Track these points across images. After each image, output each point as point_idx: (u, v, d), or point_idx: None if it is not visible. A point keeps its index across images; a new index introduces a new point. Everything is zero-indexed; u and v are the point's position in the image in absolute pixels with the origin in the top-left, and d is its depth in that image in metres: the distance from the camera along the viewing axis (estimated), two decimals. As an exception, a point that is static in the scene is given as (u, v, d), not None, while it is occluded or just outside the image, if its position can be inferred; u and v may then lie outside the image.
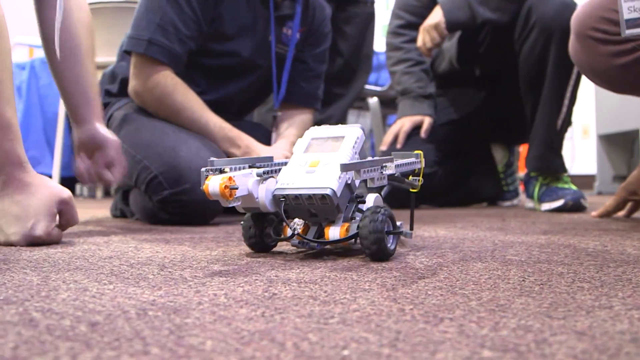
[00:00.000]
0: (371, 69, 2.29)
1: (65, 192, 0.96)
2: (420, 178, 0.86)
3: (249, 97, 1.65)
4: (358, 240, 0.76)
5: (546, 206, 1.75)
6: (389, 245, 0.75)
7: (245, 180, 0.74)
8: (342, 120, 2.08)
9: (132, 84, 1.44)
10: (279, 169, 0.81)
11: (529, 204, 1.88)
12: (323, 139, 0.84)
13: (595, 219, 1.42)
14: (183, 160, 1.30)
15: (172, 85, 1.40)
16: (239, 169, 0.78)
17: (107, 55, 2.41)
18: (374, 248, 0.72)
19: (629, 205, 1.42)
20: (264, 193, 0.76)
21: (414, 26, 2.04)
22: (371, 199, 0.81)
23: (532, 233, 1.10)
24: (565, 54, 1.42)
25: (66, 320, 0.44)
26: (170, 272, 0.67)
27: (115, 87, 1.56)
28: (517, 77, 1.87)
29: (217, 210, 1.35)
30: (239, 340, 0.38)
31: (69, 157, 3.42)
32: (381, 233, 0.72)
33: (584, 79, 1.58)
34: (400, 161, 0.81)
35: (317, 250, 0.83)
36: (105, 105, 1.55)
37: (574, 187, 1.78)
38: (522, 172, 2.26)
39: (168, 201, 1.30)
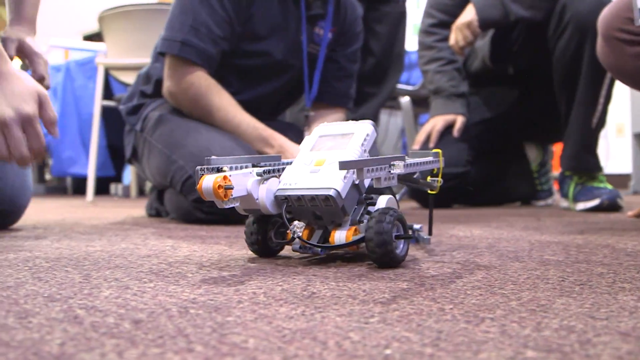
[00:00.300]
0: (403, 68, 2.28)
1: (42, 88, 1.01)
2: (439, 179, 0.80)
3: (282, 97, 1.66)
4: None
5: (581, 206, 1.73)
6: (398, 251, 0.69)
7: (244, 180, 0.70)
8: (374, 119, 2.07)
9: (167, 85, 1.46)
10: (283, 169, 0.77)
11: (564, 203, 1.86)
12: (331, 137, 0.79)
13: (631, 219, 1.40)
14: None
15: (205, 85, 1.41)
16: (240, 168, 0.73)
17: (141, 57, 2.44)
18: (379, 251, 0.66)
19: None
20: (264, 194, 0.72)
21: (446, 25, 2.03)
22: (383, 201, 0.74)
23: (568, 233, 1.08)
24: (601, 52, 1.40)
25: (110, 317, 0.45)
26: (208, 270, 0.68)
27: (150, 88, 1.58)
28: (551, 76, 1.85)
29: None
30: (281, 339, 0.39)
31: (105, 158, 3.47)
32: (388, 235, 0.66)
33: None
34: (413, 160, 0.75)
35: (322, 257, 0.78)
36: (140, 106, 1.57)
37: (609, 186, 1.76)
38: (556, 172, 2.23)
39: (203, 201, 1.31)
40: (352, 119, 1.85)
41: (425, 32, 2.14)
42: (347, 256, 0.78)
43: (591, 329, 0.41)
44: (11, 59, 1.18)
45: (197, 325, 0.42)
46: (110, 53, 2.75)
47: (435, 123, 2.04)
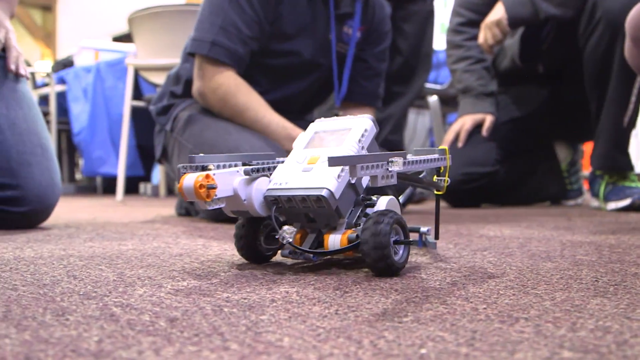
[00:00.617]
0: (431, 67, 2.27)
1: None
2: (447, 178, 0.74)
3: (310, 97, 1.66)
4: None
5: (612, 205, 1.71)
6: (397, 257, 0.63)
7: (231, 179, 0.65)
8: (402, 119, 2.07)
9: (196, 85, 1.47)
10: (275, 167, 0.71)
11: (594, 203, 1.84)
12: (327, 132, 0.73)
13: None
14: (246, 160, 1.31)
15: (235, 85, 1.42)
16: (228, 166, 0.69)
17: (170, 57, 2.46)
18: (375, 256, 0.60)
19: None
20: (252, 194, 0.66)
21: (475, 23, 2.02)
22: (383, 202, 0.68)
23: (600, 233, 1.07)
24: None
25: (145, 315, 0.46)
26: (240, 269, 0.68)
27: (180, 89, 1.59)
28: (581, 74, 1.83)
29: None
30: (316, 337, 0.39)
31: (134, 157, 3.51)
32: (385, 240, 0.60)
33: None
34: (415, 157, 0.67)
35: (314, 263, 0.72)
36: (170, 107, 1.59)
37: (641, 186, 1.73)
38: (586, 171, 2.21)
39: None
40: (380, 119, 1.86)
41: (453, 30, 2.13)
42: (345, 262, 0.72)
43: (627, 330, 0.41)
44: None
45: (232, 324, 0.43)
46: (139, 54, 2.78)
47: (463, 122, 2.03)
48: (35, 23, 8.16)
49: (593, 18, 1.73)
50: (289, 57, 1.52)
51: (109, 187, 3.95)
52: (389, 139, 1.96)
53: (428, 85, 2.72)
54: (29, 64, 4.24)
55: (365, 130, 0.70)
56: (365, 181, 0.69)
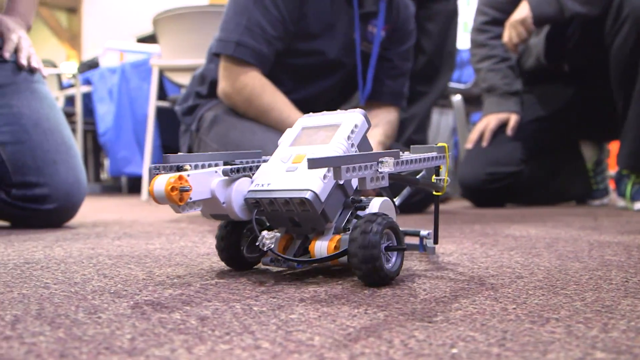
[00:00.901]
0: (454, 67, 2.26)
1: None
2: (446, 177, 0.69)
3: (334, 96, 1.66)
4: None
5: (639, 205, 1.69)
6: (389, 265, 0.58)
7: (208, 180, 0.59)
8: (426, 118, 2.06)
9: (221, 86, 1.48)
10: (258, 167, 0.65)
11: (621, 202, 1.82)
12: (315, 129, 0.67)
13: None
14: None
15: (260, 86, 1.43)
16: (208, 166, 0.64)
17: (194, 58, 2.47)
18: (365, 268, 0.55)
19: None
20: (232, 196, 0.61)
21: (499, 22, 2.01)
22: (376, 205, 0.62)
23: (627, 233, 1.06)
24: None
25: (176, 313, 0.46)
26: (267, 268, 0.68)
27: (205, 89, 1.60)
28: (607, 72, 1.81)
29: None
30: (346, 337, 0.39)
31: (159, 157, 3.54)
32: (375, 248, 0.54)
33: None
34: (410, 156, 0.62)
35: (299, 271, 0.66)
36: (196, 107, 1.60)
37: (669, 186, 1.71)
38: (612, 170, 2.19)
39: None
40: (404, 118, 1.85)
41: (478, 29, 2.12)
42: (333, 269, 0.67)
43: (660, 331, 0.40)
44: None
45: (262, 323, 0.43)
46: (164, 55, 2.80)
47: (488, 121, 2.02)
48: (60, 25, 8.25)
49: (619, 16, 1.72)
50: (314, 57, 1.52)
51: (134, 186, 3.99)
52: (412, 138, 1.96)
53: (452, 84, 2.71)
54: (54, 65, 4.29)
55: (356, 126, 0.64)
56: (355, 181, 0.63)
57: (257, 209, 0.61)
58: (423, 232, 0.74)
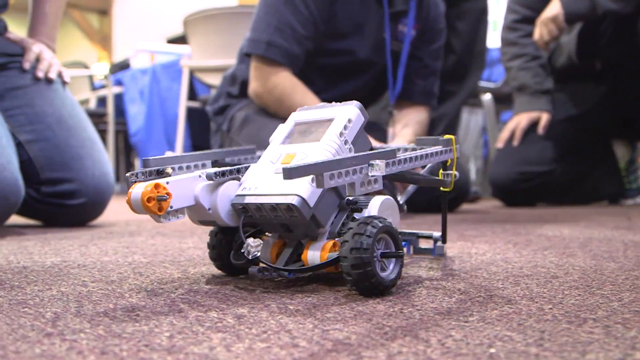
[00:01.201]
0: (484, 65, 2.24)
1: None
2: (454, 172, 0.63)
3: (365, 95, 1.66)
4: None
5: (675, 205, 1.67)
6: (385, 273, 0.52)
7: (191, 186, 0.55)
8: (455, 118, 2.05)
9: (252, 86, 1.49)
10: (247, 167, 0.60)
11: (655, 202, 1.80)
12: (308, 124, 0.61)
13: None
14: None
15: (291, 85, 1.43)
16: (193, 167, 0.60)
17: (224, 58, 2.49)
18: (357, 275, 0.50)
19: None
20: (218, 202, 0.56)
21: (530, 20, 2.00)
22: (375, 205, 0.56)
23: (663, 233, 1.05)
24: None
25: (213, 312, 0.46)
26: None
27: (236, 89, 1.61)
28: (640, 70, 1.79)
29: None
30: (383, 336, 0.39)
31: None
32: (367, 252, 0.50)
33: None
34: (409, 154, 0.57)
35: (290, 279, 0.61)
36: (227, 107, 1.61)
37: None
38: (646, 170, 2.16)
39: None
40: (433, 118, 1.84)
41: (508, 28, 2.11)
42: (330, 276, 0.62)
43: (701, 332, 0.40)
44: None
45: (298, 321, 0.43)
46: (194, 55, 2.82)
47: (519, 120, 2.00)
48: (92, 27, 8.36)
49: (654, 13, 1.69)
50: (344, 56, 1.53)
51: (164, 186, 4.02)
52: (442, 138, 1.95)
53: (481, 83, 2.69)
54: (86, 67, 4.34)
55: (349, 121, 0.58)
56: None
57: (245, 215, 0.57)
58: (436, 234, 0.70)
